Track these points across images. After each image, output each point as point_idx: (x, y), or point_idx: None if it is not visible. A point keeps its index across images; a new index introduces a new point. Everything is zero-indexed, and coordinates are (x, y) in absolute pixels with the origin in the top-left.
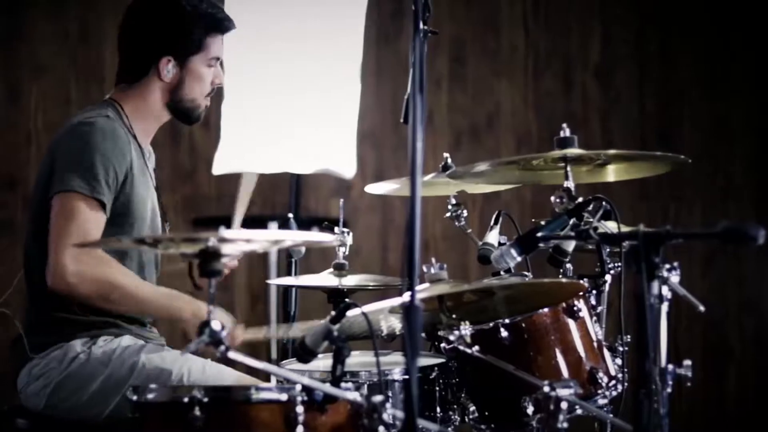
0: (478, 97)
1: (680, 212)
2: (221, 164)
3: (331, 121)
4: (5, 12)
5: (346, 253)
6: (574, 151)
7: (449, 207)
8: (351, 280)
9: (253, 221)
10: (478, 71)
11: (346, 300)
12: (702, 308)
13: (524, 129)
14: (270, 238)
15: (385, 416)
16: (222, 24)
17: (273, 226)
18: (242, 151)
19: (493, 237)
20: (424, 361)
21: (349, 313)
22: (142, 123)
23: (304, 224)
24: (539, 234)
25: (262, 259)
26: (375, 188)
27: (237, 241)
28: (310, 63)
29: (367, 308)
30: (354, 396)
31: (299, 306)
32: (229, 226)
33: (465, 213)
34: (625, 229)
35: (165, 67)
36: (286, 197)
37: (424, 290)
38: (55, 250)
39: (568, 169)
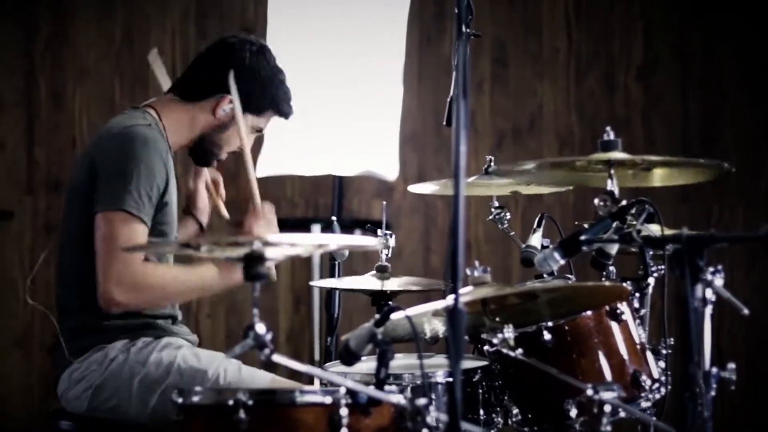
0: (520, 99)
1: (723, 215)
2: (264, 167)
3: (374, 123)
4: (50, 16)
5: (389, 255)
6: (618, 155)
7: (492, 209)
8: (394, 283)
9: (297, 224)
10: (520, 73)
11: (390, 303)
12: (746, 311)
13: (566, 131)
14: (314, 242)
15: (428, 419)
16: (286, 111)
17: (316, 228)
18: (285, 154)
19: (536, 240)
20: (467, 364)
21: (393, 316)
22: (175, 137)
23: (347, 226)
24: (582, 237)
25: (305, 261)
26: (417, 188)
27: (282, 245)
28: (353, 65)
29: (411, 311)
30: (398, 399)
31: (342, 308)
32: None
33: (508, 215)
34: (667, 232)
35: (224, 105)
36: (329, 199)
37: (467, 293)
38: (103, 277)
39: (612, 172)
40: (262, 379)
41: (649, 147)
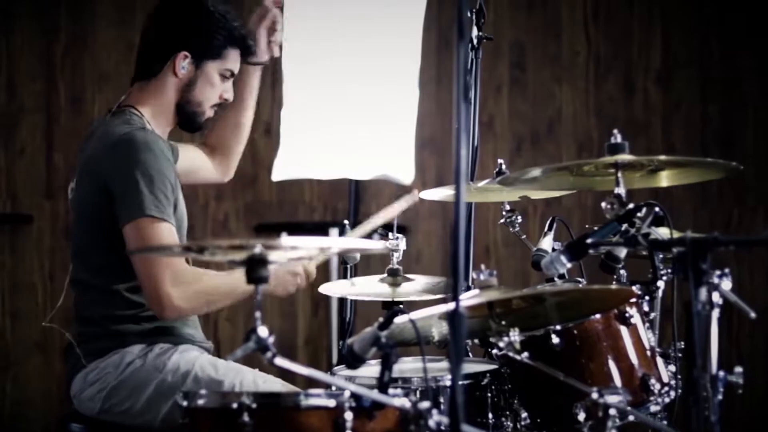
0: (539, 102)
1: (743, 218)
2: (280, 170)
3: (389, 127)
4: (70, 21)
5: (400, 258)
6: (625, 157)
7: (503, 213)
8: (406, 286)
9: (315, 227)
10: (539, 77)
11: (401, 305)
12: (753, 315)
13: (585, 135)
14: (316, 245)
15: (431, 423)
16: (244, 42)
17: (334, 232)
18: (301, 158)
19: (546, 243)
20: (476, 368)
21: (397, 319)
22: (159, 124)
23: None
24: (589, 240)
25: (323, 265)
26: (430, 194)
27: (283, 249)
28: (369, 69)
29: (416, 315)
30: (401, 402)
31: (360, 311)
32: (292, 232)
33: (519, 219)
34: (677, 234)
35: (181, 62)
36: (348, 203)
37: (472, 297)
38: (156, 284)
39: (619, 175)
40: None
41: (668, 150)
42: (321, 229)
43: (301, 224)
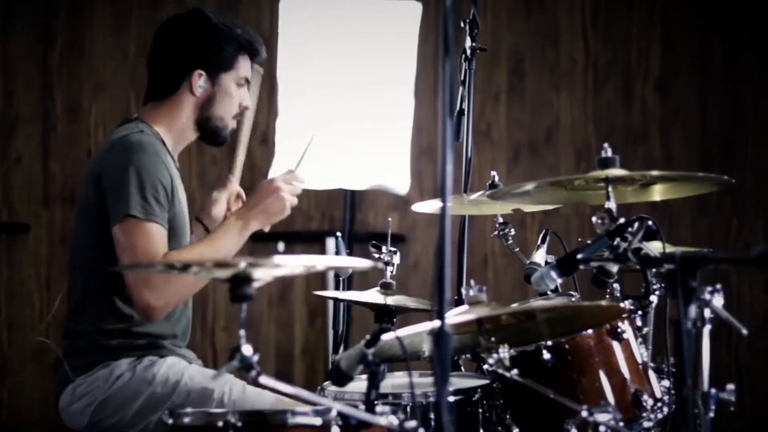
0: (537, 110)
1: (742, 228)
2: None
3: (385, 137)
4: (66, 29)
5: (393, 272)
6: (616, 171)
7: (496, 225)
8: (399, 300)
9: (312, 237)
10: (537, 84)
11: (393, 320)
12: (745, 331)
13: (584, 143)
14: (301, 263)
15: None
16: (253, 47)
17: (330, 241)
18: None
19: (539, 256)
20: (467, 383)
21: (384, 336)
22: (175, 139)
23: (362, 240)
24: (579, 256)
25: (320, 276)
26: (426, 204)
27: (267, 266)
28: (364, 78)
29: (403, 332)
30: (387, 421)
31: (356, 324)
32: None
33: (512, 232)
34: (670, 248)
35: (197, 81)
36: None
37: (460, 313)
38: (136, 288)
39: (610, 189)
40: (267, 398)
41: (666, 159)
42: (318, 239)
43: (298, 233)
